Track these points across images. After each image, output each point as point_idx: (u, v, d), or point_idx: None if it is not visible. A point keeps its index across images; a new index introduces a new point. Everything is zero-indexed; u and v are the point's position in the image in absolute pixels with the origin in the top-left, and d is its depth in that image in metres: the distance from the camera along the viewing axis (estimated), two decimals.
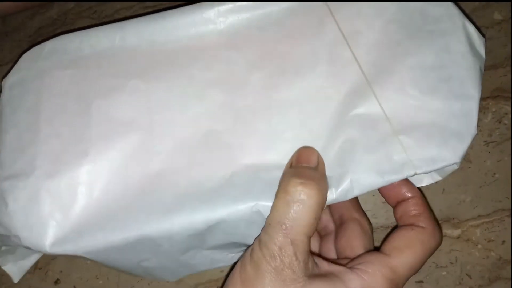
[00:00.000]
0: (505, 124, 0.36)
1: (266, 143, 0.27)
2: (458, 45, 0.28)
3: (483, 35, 0.29)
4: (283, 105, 0.28)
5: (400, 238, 0.26)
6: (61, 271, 0.37)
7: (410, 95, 0.27)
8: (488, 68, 0.37)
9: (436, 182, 0.35)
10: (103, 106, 0.29)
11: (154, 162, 0.28)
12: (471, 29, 0.29)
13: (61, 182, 0.27)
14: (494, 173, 0.36)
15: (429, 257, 0.26)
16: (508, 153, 0.36)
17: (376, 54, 0.28)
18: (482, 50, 0.29)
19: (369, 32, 0.29)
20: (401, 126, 0.26)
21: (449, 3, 0.29)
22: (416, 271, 0.25)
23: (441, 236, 0.27)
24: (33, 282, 0.38)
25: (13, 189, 0.27)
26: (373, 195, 0.36)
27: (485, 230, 0.35)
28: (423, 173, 0.26)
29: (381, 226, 0.36)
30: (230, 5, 0.29)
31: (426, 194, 0.36)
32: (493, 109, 0.36)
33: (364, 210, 0.36)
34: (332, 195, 0.26)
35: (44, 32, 0.42)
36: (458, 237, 0.35)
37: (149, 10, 0.41)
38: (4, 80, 0.31)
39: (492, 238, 0.35)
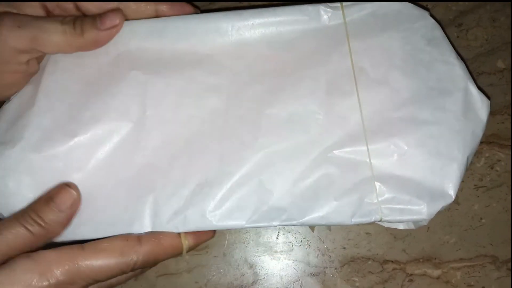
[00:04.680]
0: (497, 170, 0.36)
1: (247, 155, 0.27)
2: (453, 106, 0.28)
3: (488, 97, 0.29)
4: (273, 122, 0.28)
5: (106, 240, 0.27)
6: None
7: (396, 144, 0.27)
8: None
9: None
10: (101, 90, 0.29)
11: (137, 156, 0.28)
12: (474, 91, 0.29)
13: (43, 158, 0.27)
14: (481, 218, 0.36)
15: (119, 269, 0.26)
16: (497, 200, 0.36)
17: (373, 96, 0.28)
18: (483, 113, 0.28)
19: (373, 72, 0.29)
20: (380, 172, 0.27)
21: (457, 63, 0.29)
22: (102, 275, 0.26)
23: (145, 261, 0.27)
24: None
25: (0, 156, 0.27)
26: (358, 225, 0.36)
27: (466, 274, 0.35)
28: (389, 222, 0.27)
29: (362, 257, 0.36)
30: (246, 22, 0.30)
31: (411, 231, 0.36)
32: (487, 155, 0.36)
33: (347, 239, 0.36)
34: (300, 219, 0.27)
35: None
36: (438, 278, 0.35)
37: None
38: None
39: (472, 283, 0.34)
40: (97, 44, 0.29)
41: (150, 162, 0.28)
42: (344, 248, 0.36)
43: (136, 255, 0.26)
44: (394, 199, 0.26)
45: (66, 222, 0.27)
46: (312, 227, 0.36)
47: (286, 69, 0.29)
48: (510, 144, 0.36)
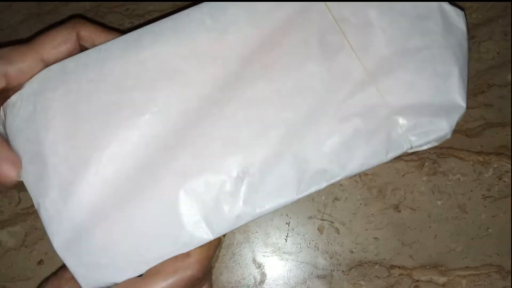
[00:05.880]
0: (505, 181, 0.37)
1: (270, 134, 0.28)
2: (436, 27, 0.30)
3: (461, 8, 0.31)
4: (283, 94, 0.28)
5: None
6: (46, 253, 0.37)
7: (399, 78, 0.29)
8: (496, 126, 0.38)
9: (430, 227, 0.36)
10: (96, 127, 0.28)
11: (162, 171, 0.27)
12: (447, 7, 0.30)
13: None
14: (488, 228, 0.36)
15: (214, 253, 0.27)
16: (504, 210, 0.36)
17: (363, 40, 0.29)
18: (461, 23, 0.30)
19: (355, 19, 0.30)
20: (395, 107, 0.28)
21: None
22: None
23: (202, 270, 0.27)
24: (16, 259, 0.37)
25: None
26: (366, 230, 0.37)
27: (471, 282, 0.35)
28: (419, 147, 0.29)
29: (370, 261, 0.36)
30: (221, 8, 0.29)
31: (418, 237, 0.36)
32: (495, 165, 0.37)
33: (355, 243, 0.37)
34: (344, 172, 0.28)
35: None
36: (444, 285, 0.35)
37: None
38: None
39: None
40: None
41: (178, 171, 0.27)
42: (352, 252, 0.36)
43: (190, 268, 0.26)
44: (416, 125, 0.28)
45: None
46: (320, 230, 0.37)
47: (274, 41, 0.29)
48: None
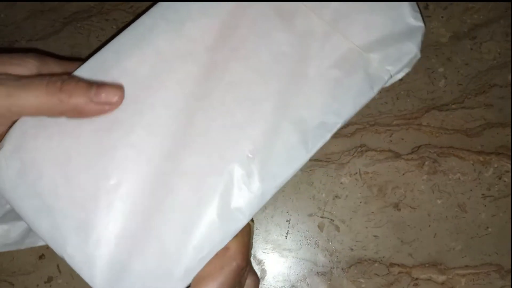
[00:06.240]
0: (505, 181, 0.37)
1: (262, 108, 0.28)
2: None
3: None
4: (262, 67, 0.29)
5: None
6: (47, 247, 0.38)
7: (360, 21, 0.30)
8: (496, 126, 0.38)
9: (429, 226, 0.36)
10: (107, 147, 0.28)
11: (174, 178, 0.27)
12: None
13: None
14: (487, 227, 0.36)
15: (249, 239, 0.28)
16: (504, 209, 0.36)
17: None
18: None
19: None
20: (363, 45, 0.30)
21: None
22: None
23: (244, 258, 0.27)
24: (17, 253, 0.38)
25: None
26: (366, 228, 0.37)
27: (470, 281, 0.35)
28: (396, 73, 0.31)
29: (369, 259, 0.36)
30: (164, 4, 0.30)
31: (418, 236, 0.36)
32: (495, 165, 0.37)
33: (355, 241, 0.37)
34: (341, 119, 0.29)
35: (79, 17, 0.44)
36: (443, 283, 0.35)
37: None
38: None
39: None
40: (80, 114, 0.26)
41: (188, 173, 0.27)
42: (352, 249, 0.37)
43: (233, 259, 0.26)
44: (387, 56, 0.30)
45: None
46: (320, 227, 0.37)
47: (233, 24, 0.30)
48: None
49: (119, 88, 0.27)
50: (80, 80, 0.26)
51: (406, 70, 0.32)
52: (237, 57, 0.29)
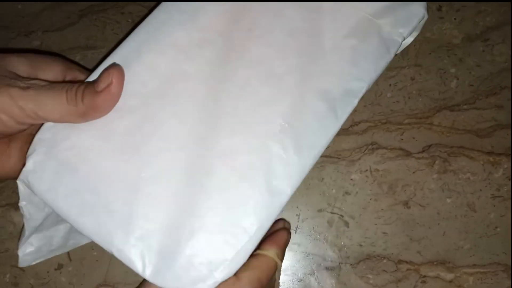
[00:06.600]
0: None
1: (284, 91, 0.29)
2: None
3: None
4: (277, 45, 0.30)
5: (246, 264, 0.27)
6: None
7: None
8: (507, 127, 0.38)
9: (438, 224, 0.37)
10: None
11: (197, 175, 0.27)
12: None
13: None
14: (496, 227, 0.36)
15: (267, 277, 0.27)
16: None
17: None
18: None
19: None
20: (372, 14, 0.31)
21: None
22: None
23: (277, 263, 0.28)
24: None
25: None
26: (375, 224, 0.37)
27: (478, 280, 0.35)
28: (408, 35, 0.32)
29: (378, 255, 0.37)
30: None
31: (427, 234, 0.37)
32: (505, 166, 0.38)
33: (364, 237, 0.37)
34: (366, 83, 0.30)
35: (94, 9, 0.44)
36: (451, 281, 0.36)
37: None
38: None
39: None
40: (96, 109, 0.26)
41: (224, 153, 0.27)
42: (361, 245, 0.37)
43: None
44: (397, 19, 0.31)
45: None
46: (330, 223, 0.37)
47: (243, 7, 0.31)
48: None
49: (112, 70, 0.27)
50: (87, 82, 0.27)
51: (415, 34, 0.33)
52: (253, 37, 0.30)
